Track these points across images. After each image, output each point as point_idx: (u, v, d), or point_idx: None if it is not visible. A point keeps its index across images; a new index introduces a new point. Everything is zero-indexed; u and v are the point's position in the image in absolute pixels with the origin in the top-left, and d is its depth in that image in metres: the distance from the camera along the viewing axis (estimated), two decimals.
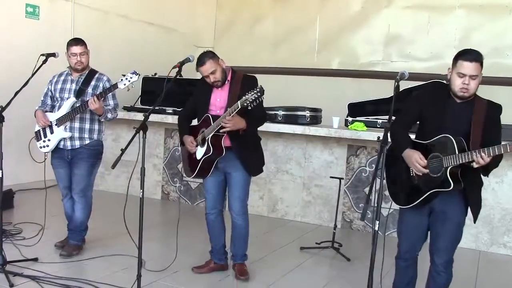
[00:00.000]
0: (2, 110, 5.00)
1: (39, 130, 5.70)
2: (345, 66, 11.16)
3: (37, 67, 5.30)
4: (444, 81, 4.12)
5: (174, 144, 8.65)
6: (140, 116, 8.47)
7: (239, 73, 5.23)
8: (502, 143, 3.56)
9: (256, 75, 5.30)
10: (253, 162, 5.27)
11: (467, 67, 3.78)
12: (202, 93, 5.26)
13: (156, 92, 9.22)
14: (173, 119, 8.32)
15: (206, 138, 5.03)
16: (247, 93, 4.61)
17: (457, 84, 3.84)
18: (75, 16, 9.35)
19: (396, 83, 3.81)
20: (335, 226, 6.52)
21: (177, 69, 4.66)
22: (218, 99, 5.16)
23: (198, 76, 10.57)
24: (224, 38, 12.53)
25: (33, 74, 5.24)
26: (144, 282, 4.49)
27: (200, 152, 5.14)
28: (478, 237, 6.93)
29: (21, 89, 5.11)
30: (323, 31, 11.47)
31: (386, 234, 6.94)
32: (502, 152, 3.53)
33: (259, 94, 4.59)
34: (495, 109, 3.95)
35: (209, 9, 12.63)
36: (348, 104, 7.99)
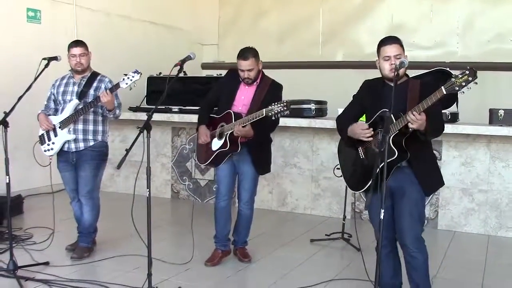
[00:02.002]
0: (6, 116, 5.02)
1: (43, 134, 5.73)
2: (350, 57, 11.12)
3: (39, 71, 5.33)
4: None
5: (182, 142, 8.68)
6: (146, 116, 8.54)
7: (268, 78, 5.48)
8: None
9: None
10: (263, 162, 5.60)
11: (389, 49, 4.10)
12: (229, 87, 5.51)
13: (162, 91, 9.22)
14: (179, 118, 8.37)
15: (225, 134, 5.27)
16: (274, 104, 4.92)
17: (386, 68, 4.11)
18: (77, 18, 9.36)
19: (395, 72, 3.89)
20: (344, 217, 6.53)
21: (178, 67, 4.68)
22: (243, 97, 5.42)
23: (203, 73, 10.60)
24: (228, 35, 12.51)
25: (35, 79, 5.26)
26: (156, 280, 4.51)
27: (216, 144, 5.40)
28: (487, 222, 6.94)
29: (24, 94, 5.13)
30: (326, 23, 11.44)
31: None
32: (429, 103, 3.75)
33: (285, 108, 4.88)
34: (428, 87, 4.07)
35: (212, 6, 12.61)
36: (353, 95, 7.97)
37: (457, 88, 3.65)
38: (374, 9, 11.00)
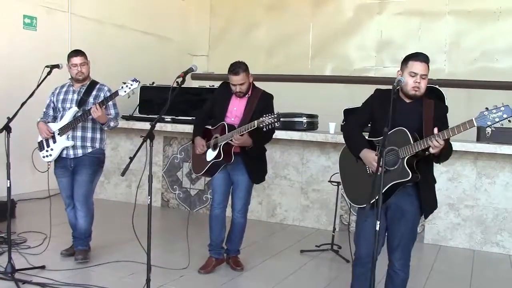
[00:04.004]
0: (9, 121, 5.11)
1: (42, 141, 5.82)
2: (339, 72, 11.32)
3: (42, 79, 5.41)
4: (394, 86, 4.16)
5: (173, 152, 8.77)
6: (138, 125, 8.66)
7: (258, 89, 5.62)
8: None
9: None
10: (257, 171, 5.74)
11: (418, 66, 4.00)
12: (222, 99, 5.64)
13: (154, 101, 9.37)
14: (172, 127, 8.45)
15: (219, 145, 5.40)
16: (265, 115, 5.02)
17: (410, 84, 4.02)
18: (72, 26, 9.45)
19: (394, 90, 3.87)
20: (334, 229, 6.66)
21: (181, 78, 4.76)
22: (235, 108, 5.55)
23: (193, 84, 10.67)
24: (219, 46, 12.67)
25: (38, 85, 5.34)
26: (151, 287, 4.58)
27: (210, 155, 5.53)
28: (472, 237, 7.09)
29: (27, 100, 5.20)
30: (316, 38, 11.63)
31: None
32: (451, 135, 3.75)
33: (275, 119, 5.00)
34: (441, 108, 4.16)
35: (203, 17, 12.76)
36: (344, 110, 8.11)
37: (489, 123, 3.65)
38: (364, 25, 11.23)
